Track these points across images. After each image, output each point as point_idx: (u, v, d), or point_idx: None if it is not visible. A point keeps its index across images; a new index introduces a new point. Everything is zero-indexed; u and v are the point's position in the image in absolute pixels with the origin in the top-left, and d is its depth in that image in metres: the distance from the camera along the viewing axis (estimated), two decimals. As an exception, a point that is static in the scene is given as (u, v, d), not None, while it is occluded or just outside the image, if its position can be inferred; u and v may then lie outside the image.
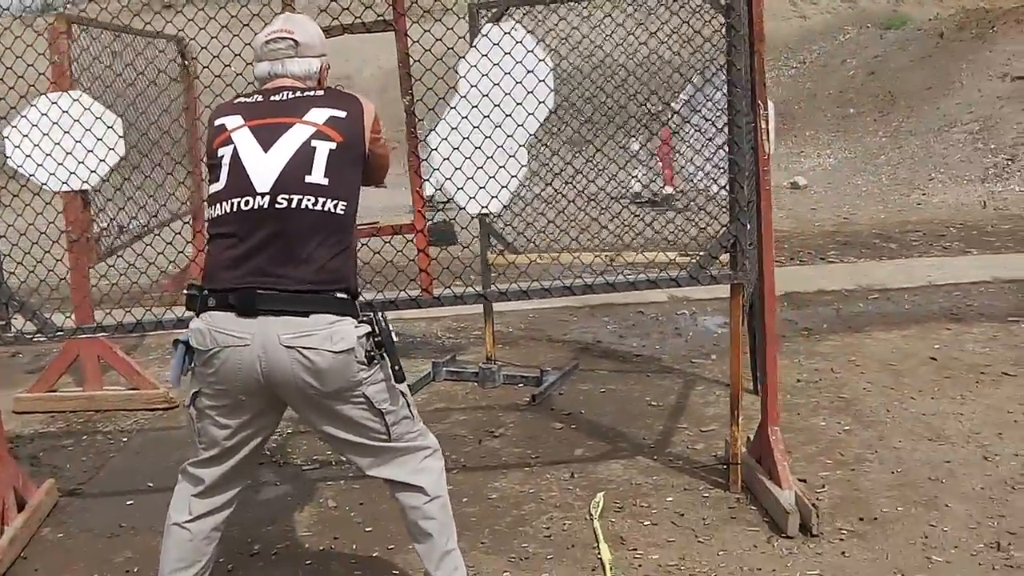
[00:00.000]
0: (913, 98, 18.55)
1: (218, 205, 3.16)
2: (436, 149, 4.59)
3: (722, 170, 5.40)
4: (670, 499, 4.60)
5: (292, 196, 3.08)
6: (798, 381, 6.16)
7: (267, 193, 3.08)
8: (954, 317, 7.48)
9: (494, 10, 6.09)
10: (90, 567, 4.32)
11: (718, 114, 5.41)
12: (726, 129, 5.19)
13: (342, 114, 3.20)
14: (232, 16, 4.58)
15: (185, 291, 3.21)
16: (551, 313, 8.26)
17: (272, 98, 3.25)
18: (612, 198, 6.20)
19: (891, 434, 5.19)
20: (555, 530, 4.39)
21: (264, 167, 3.11)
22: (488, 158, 4.50)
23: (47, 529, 4.75)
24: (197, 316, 3.15)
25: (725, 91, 5.29)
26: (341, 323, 3.07)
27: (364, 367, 3.11)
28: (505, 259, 6.30)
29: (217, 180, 3.18)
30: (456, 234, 6.71)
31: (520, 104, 4.55)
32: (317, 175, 3.10)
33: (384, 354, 3.16)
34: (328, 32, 4.22)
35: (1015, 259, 9.49)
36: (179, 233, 5.59)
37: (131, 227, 6.29)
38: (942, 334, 7.00)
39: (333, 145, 3.14)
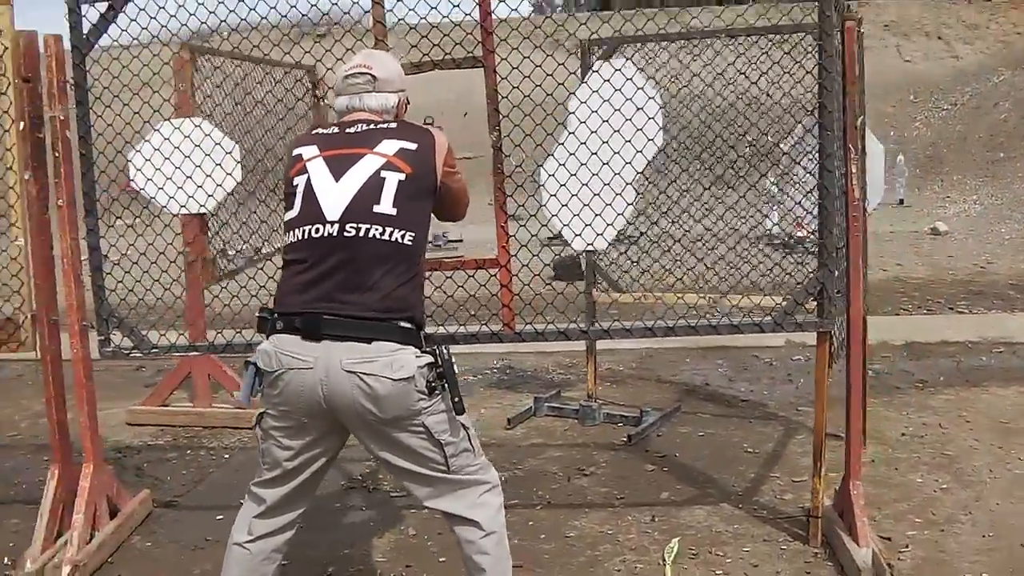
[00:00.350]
0: (1070, 143, 17.90)
1: (292, 232, 3.24)
2: (543, 185, 4.57)
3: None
4: (747, 549, 4.50)
5: (360, 225, 3.13)
6: (903, 435, 5.97)
7: (336, 221, 3.14)
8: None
9: (605, 47, 6.10)
10: (170, 577, 4.46)
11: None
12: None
13: (412, 146, 3.25)
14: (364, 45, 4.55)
15: (257, 314, 3.30)
16: (664, 353, 8.21)
17: (347, 130, 3.32)
18: (718, 239, 6.13)
19: (989, 495, 4.98)
20: (626, 572, 4.34)
21: (334, 196, 3.18)
22: (595, 195, 4.48)
23: (137, 537, 4.93)
24: (267, 338, 3.21)
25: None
26: (403, 351, 3.09)
27: (424, 397, 3.11)
28: (609, 296, 6.28)
29: (292, 208, 3.27)
30: (582, 269, 6.73)
31: (629, 141, 4.49)
32: (385, 205, 3.15)
33: (445, 385, 3.15)
34: (419, 68, 4.31)
35: None
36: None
37: (244, 251, 6.47)
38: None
39: (402, 176, 3.19)
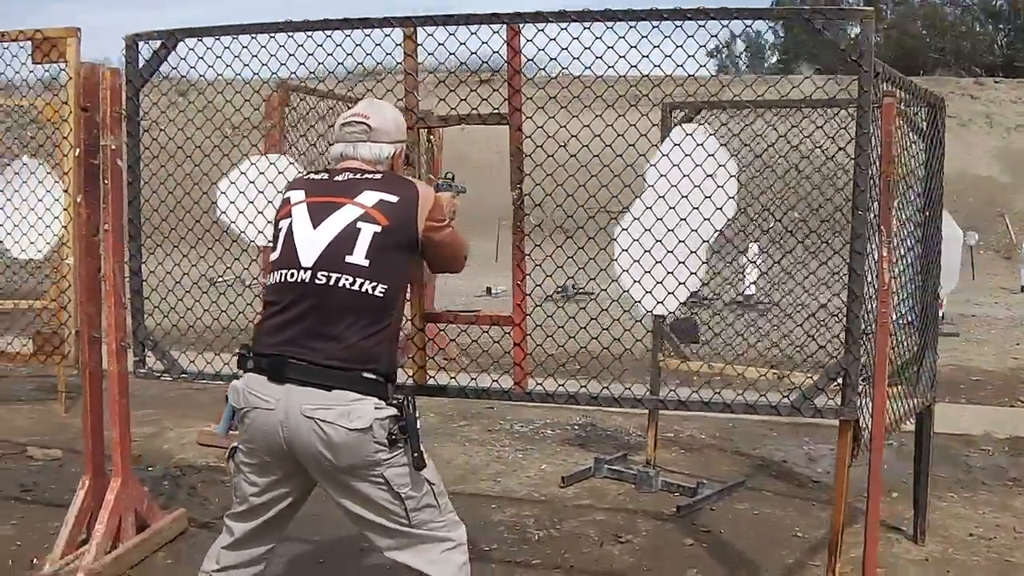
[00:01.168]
0: None
1: (273, 274, 3.33)
2: (616, 240, 4.49)
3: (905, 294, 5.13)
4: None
5: (331, 274, 3.19)
6: (971, 535, 5.64)
7: (310, 268, 3.21)
8: None
9: (686, 111, 6.01)
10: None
11: (906, 234, 5.14)
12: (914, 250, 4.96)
13: (393, 199, 3.29)
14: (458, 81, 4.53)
15: (237, 350, 3.39)
16: (748, 425, 7.97)
17: (336, 178, 3.38)
18: (787, 314, 5.94)
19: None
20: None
21: (311, 243, 3.24)
22: (669, 252, 4.32)
23: (162, 554, 5.09)
24: (243, 375, 3.32)
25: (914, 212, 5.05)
26: (362, 402, 3.13)
27: (384, 448, 3.14)
28: (674, 363, 6.16)
29: (275, 250, 3.37)
30: (699, 331, 6.61)
31: (696, 208, 4.31)
32: (358, 256, 3.20)
33: (407, 439, 3.18)
34: (446, 121, 4.31)
35: None
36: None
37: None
38: None
39: (378, 228, 3.23)
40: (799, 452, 7.41)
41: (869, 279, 4.03)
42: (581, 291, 12.63)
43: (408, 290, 3.56)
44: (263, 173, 4.84)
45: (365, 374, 3.18)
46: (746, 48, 55.56)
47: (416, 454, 3.19)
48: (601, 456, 6.71)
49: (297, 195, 3.39)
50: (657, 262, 4.31)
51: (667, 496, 6.22)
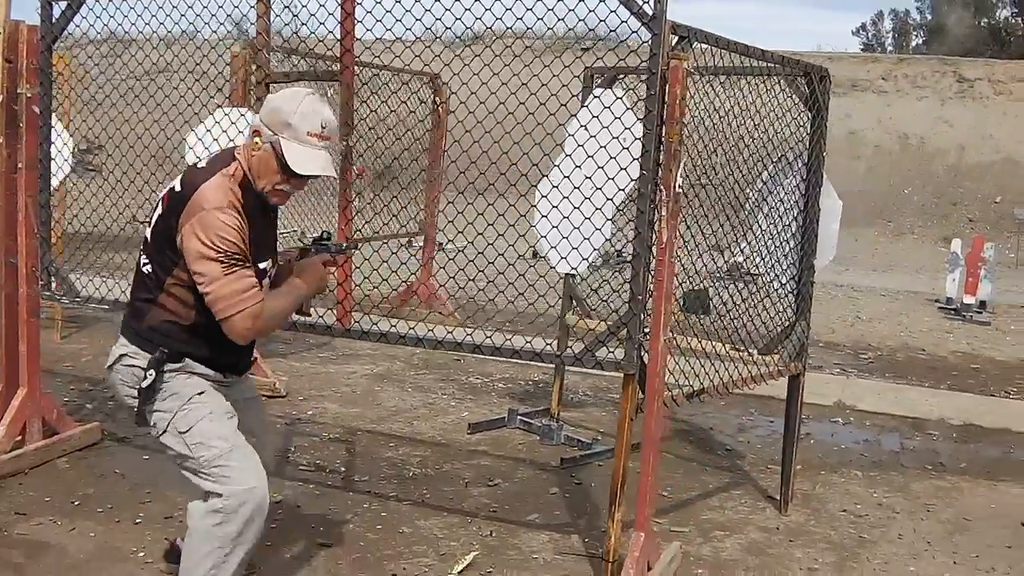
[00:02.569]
0: None
1: None
2: (536, 205, 4.64)
3: (786, 264, 5.19)
4: (538, 578, 4.48)
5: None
6: (844, 510, 5.65)
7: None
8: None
9: (606, 76, 6.09)
10: (60, 492, 5.09)
11: (790, 205, 5.19)
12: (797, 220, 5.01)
13: (178, 187, 3.34)
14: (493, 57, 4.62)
15: None
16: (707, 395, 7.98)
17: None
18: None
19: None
20: (413, 570, 4.47)
21: None
22: (576, 209, 4.38)
23: (64, 459, 5.57)
24: None
25: (799, 179, 5.09)
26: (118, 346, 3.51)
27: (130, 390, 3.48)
28: (584, 324, 6.26)
29: None
30: (710, 303, 6.74)
31: (601, 168, 4.36)
32: (149, 233, 3.43)
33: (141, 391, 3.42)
34: (287, 77, 4.54)
35: None
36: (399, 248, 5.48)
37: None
38: (1080, 503, 6.07)
39: (160, 211, 3.38)
40: (733, 422, 7.44)
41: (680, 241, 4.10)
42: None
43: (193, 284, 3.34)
44: (234, 123, 5.22)
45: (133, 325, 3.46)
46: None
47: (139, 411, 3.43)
48: (515, 408, 6.86)
49: None
50: (575, 227, 4.43)
51: (567, 449, 6.35)
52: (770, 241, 5.29)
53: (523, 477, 5.83)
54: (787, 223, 5.33)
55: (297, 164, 3.27)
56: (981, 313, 13.28)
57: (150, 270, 3.35)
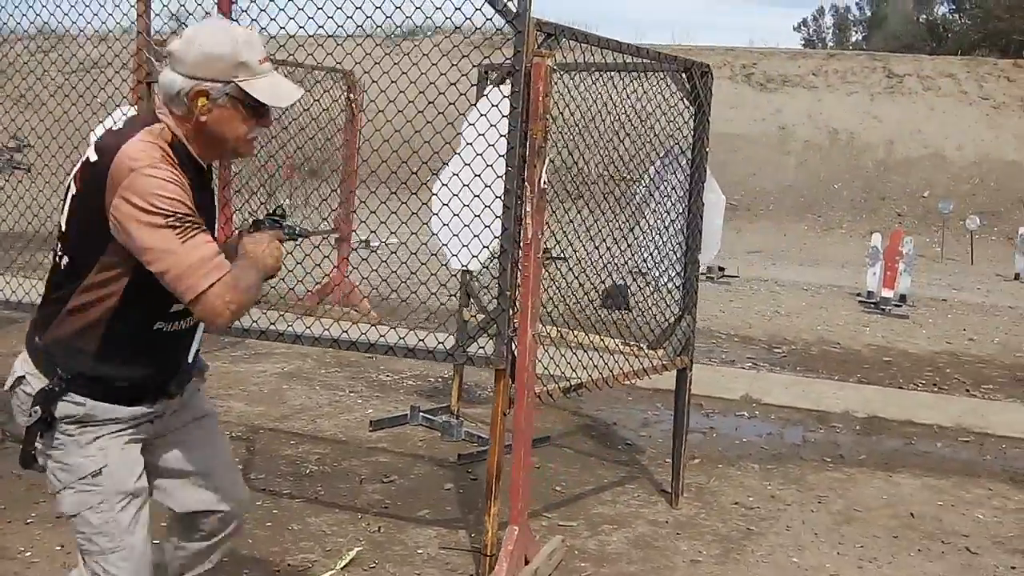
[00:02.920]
0: None
1: None
2: (427, 203, 4.63)
3: (673, 260, 5.24)
4: (416, 573, 4.50)
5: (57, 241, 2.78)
6: (735, 503, 5.72)
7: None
8: (1014, 478, 6.54)
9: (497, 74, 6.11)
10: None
11: (675, 200, 5.24)
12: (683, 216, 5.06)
13: (94, 157, 2.65)
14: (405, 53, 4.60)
15: None
16: (612, 390, 8.01)
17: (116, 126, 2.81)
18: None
19: None
20: (296, 568, 4.49)
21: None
22: (476, 215, 4.33)
23: None
24: None
25: (684, 175, 5.14)
26: (19, 361, 2.85)
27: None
28: (476, 320, 6.29)
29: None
30: (629, 299, 6.76)
31: (491, 166, 4.36)
32: (64, 221, 2.75)
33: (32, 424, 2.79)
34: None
35: None
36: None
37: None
38: (970, 493, 6.17)
39: (75, 191, 2.71)
40: (638, 417, 7.51)
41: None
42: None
43: (125, 273, 2.68)
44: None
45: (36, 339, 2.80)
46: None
47: (24, 449, 2.80)
48: (417, 404, 6.88)
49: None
50: (465, 224, 4.42)
51: (467, 445, 6.38)
52: (657, 236, 5.34)
53: (419, 473, 5.86)
54: (673, 218, 5.39)
55: (276, 98, 2.75)
56: (900, 307, 13.48)
57: (66, 262, 2.69)
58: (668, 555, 4.93)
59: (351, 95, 9.61)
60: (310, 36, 4.76)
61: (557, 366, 4.83)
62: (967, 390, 9.28)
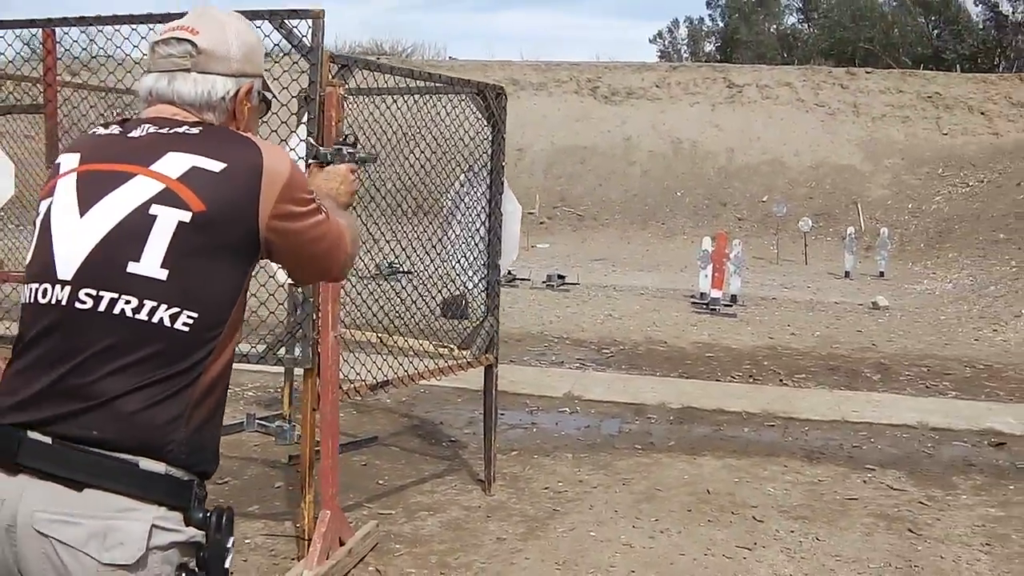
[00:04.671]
0: (1066, 230, 17.61)
1: (23, 289, 2.09)
2: None
3: (478, 266, 5.72)
4: (245, 559, 4.88)
5: (102, 293, 1.94)
6: (546, 488, 6.22)
7: (69, 282, 1.97)
8: (810, 456, 7.21)
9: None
10: None
11: (479, 211, 5.72)
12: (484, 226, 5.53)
13: (216, 167, 1.99)
14: None
15: None
16: (441, 392, 8.52)
17: (131, 132, 2.09)
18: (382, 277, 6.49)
19: (539, 556, 5.18)
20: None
21: (73, 241, 1.99)
22: None
23: None
24: None
25: (487, 190, 5.63)
26: (131, 514, 1.87)
27: None
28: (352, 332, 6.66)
29: (29, 252, 2.11)
30: (468, 307, 7.16)
31: None
32: (149, 264, 1.94)
33: None
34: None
35: (975, 407, 8.93)
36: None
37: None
38: (766, 470, 6.78)
39: (185, 216, 1.95)
40: (465, 416, 7.97)
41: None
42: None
43: (239, 323, 2.10)
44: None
45: (147, 464, 1.90)
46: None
47: None
48: (251, 413, 7.24)
49: (69, 160, 2.10)
50: None
51: (299, 447, 6.74)
52: (463, 244, 5.84)
53: (252, 474, 6.23)
54: (476, 227, 5.90)
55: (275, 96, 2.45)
56: (730, 306, 14.28)
57: (192, 321, 1.95)
58: (477, 535, 5.39)
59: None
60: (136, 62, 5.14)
61: (369, 372, 5.26)
62: (780, 380, 10.00)
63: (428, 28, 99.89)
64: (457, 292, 7.30)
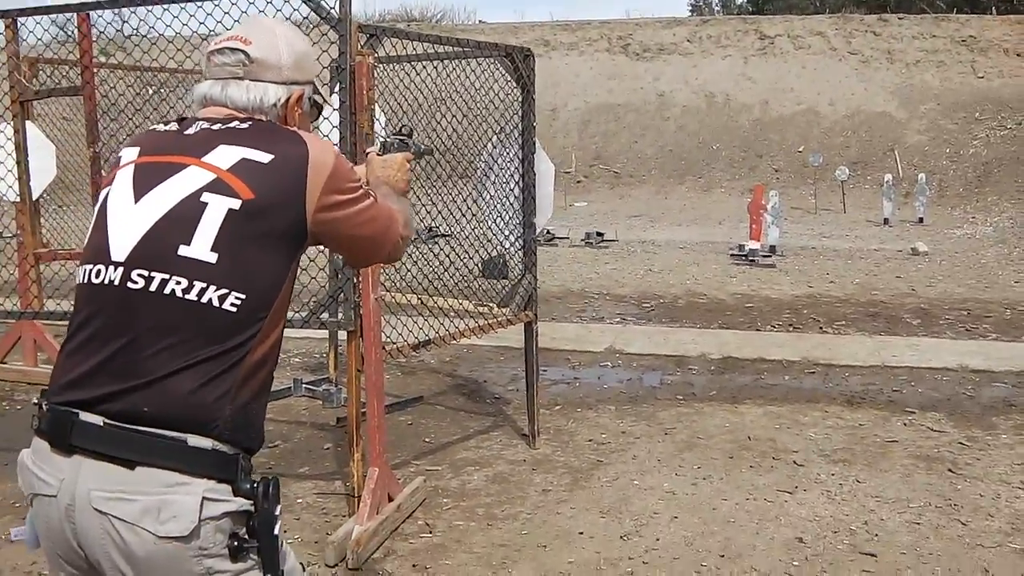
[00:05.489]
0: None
1: (78, 270, 2.19)
2: None
3: (514, 226, 5.83)
4: (297, 518, 5.04)
5: (154, 273, 2.04)
6: (589, 440, 6.34)
7: (122, 263, 2.07)
8: (850, 401, 7.29)
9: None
10: None
11: (511, 172, 5.83)
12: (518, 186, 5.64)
13: (264, 158, 2.11)
14: None
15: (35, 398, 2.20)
16: (482, 351, 8.66)
17: (187, 130, 2.21)
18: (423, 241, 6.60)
19: (584, 505, 5.31)
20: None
21: (127, 225, 2.10)
22: None
23: None
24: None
25: (519, 151, 5.73)
26: (182, 489, 1.97)
27: (220, 560, 2.01)
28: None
29: (87, 236, 2.22)
30: (508, 267, 7.31)
31: None
32: (199, 247, 2.05)
33: (260, 551, 2.06)
34: (37, 95, 4.99)
35: (1015, 349, 8.94)
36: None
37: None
38: (807, 416, 6.87)
39: (235, 204, 2.06)
40: (508, 374, 8.11)
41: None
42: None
43: (285, 309, 2.21)
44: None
45: (194, 440, 2.00)
46: None
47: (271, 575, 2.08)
48: (298, 377, 7.40)
49: (129, 154, 2.23)
50: None
51: (346, 410, 6.92)
52: (499, 205, 5.94)
53: (301, 437, 6.40)
54: (511, 188, 5.99)
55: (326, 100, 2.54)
56: (769, 257, 14.30)
57: (239, 302, 2.05)
58: (523, 487, 5.53)
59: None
60: (170, 40, 5.27)
61: (411, 332, 5.40)
62: (820, 328, 10.05)
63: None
64: (496, 253, 7.41)
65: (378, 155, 2.72)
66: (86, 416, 1.99)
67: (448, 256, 5.99)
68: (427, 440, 6.34)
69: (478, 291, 6.08)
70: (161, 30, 4.89)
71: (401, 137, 2.79)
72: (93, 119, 4.92)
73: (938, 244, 15.90)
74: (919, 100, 25.59)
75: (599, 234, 16.29)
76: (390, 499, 4.94)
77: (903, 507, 5.18)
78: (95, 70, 4.95)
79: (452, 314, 5.78)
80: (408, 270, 5.75)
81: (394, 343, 5.09)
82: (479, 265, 6.56)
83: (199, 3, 4.83)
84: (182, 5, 4.85)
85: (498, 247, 6.12)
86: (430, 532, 4.92)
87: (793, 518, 5.06)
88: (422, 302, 5.94)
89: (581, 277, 12.89)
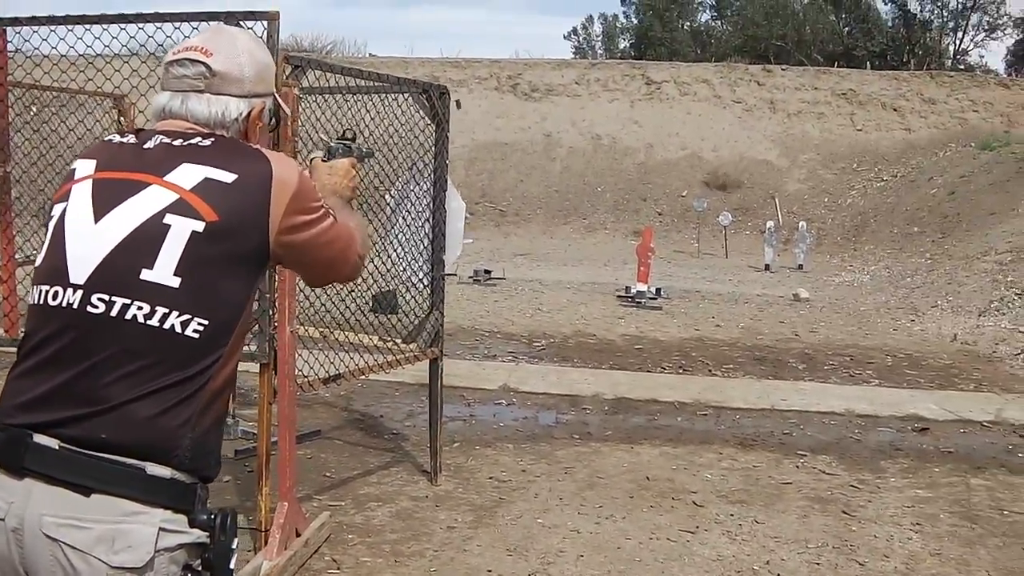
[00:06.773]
0: (975, 222, 18.18)
1: (32, 290, 2.12)
2: None
3: (422, 262, 5.81)
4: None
5: (115, 299, 1.99)
6: (490, 478, 6.34)
7: (81, 286, 2.01)
8: (743, 443, 7.43)
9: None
10: None
11: (423, 208, 5.81)
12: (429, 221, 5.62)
13: (227, 178, 2.06)
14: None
15: None
16: (379, 387, 8.60)
17: (146, 143, 2.14)
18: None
19: (490, 543, 5.32)
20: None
21: (87, 246, 2.04)
22: None
23: None
24: None
25: (430, 186, 5.72)
26: (139, 518, 1.93)
27: None
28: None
29: (40, 253, 2.15)
30: (398, 303, 7.20)
31: None
32: (162, 271, 2.00)
33: None
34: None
35: (898, 395, 9.25)
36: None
37: None
38: (702, 457, 6.97)
39: (198, 226, 2.02)
40: (404, 410, 8.07)
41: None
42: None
43: (246, 331, 2.23)
44: None
45: (153, 469, 1.96)
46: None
47: None
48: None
49: (85, 167, 2.15)
50: None
51: (244, 442, 6.80)
52: (407, 240, 5.94)
53: (196, 471, 6.25)
54: (420, 224, 6.00)
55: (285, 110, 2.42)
56: (656, 299, 14.52)
57: (202, 327, 2.01)
58: (427, 524, 5.50)
59: (123, 119, 9.80)
60: (89, 61, 5.13)
61: (322, 365, 5.35)
62: (709, 370, 10.23)
63: (347, 24, 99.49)
64: (387, 288, 7.37)
65: (323, 160, 2.66)
66: (40, 439, 1.93)
67: (339, 291, 5.93)
68: (328, 475, 6.27)
69: (372, 325, 6.05)
70: (82, 50, 4.78)
71: (345, 142, 2.74)
72: (5, 137, 4.78)
73: (819, 291, 16.37)
74: (799, 149, 26.41)
75: (487, 271, 16.35)
76: (297, 534, 4.87)
77: (802, 547, 5.30)
78: (9, 88, 4.80)
79: (361, 348, 5.74)
80: (308, 299, 5.69)
81: (305, 376, 5.03)
82: (368, 301, 6.54)
83: (122, 25, 4.74)
84: (103, 25, 4.75)
85: (391, 282, 6.10)
86: (338, 568, 4.86)
87: (697, 558, 5.13)
88: (328, 336, 5.88)
89: (471, 314, 12.91)
